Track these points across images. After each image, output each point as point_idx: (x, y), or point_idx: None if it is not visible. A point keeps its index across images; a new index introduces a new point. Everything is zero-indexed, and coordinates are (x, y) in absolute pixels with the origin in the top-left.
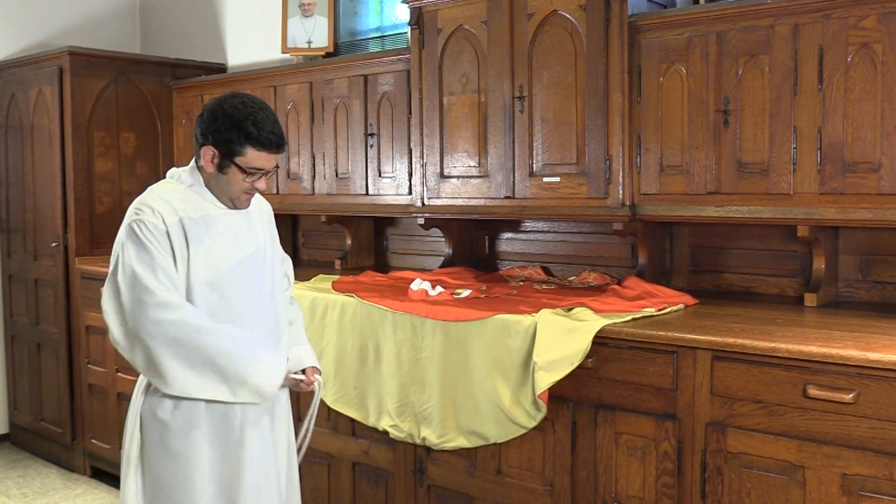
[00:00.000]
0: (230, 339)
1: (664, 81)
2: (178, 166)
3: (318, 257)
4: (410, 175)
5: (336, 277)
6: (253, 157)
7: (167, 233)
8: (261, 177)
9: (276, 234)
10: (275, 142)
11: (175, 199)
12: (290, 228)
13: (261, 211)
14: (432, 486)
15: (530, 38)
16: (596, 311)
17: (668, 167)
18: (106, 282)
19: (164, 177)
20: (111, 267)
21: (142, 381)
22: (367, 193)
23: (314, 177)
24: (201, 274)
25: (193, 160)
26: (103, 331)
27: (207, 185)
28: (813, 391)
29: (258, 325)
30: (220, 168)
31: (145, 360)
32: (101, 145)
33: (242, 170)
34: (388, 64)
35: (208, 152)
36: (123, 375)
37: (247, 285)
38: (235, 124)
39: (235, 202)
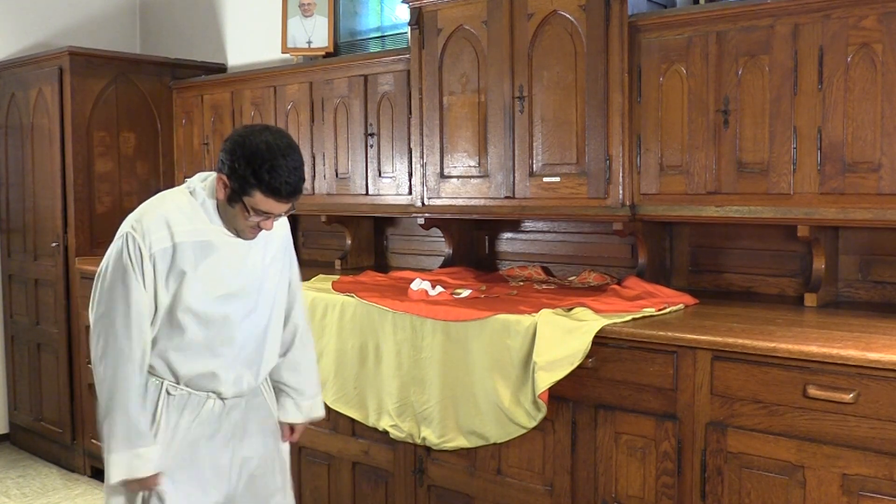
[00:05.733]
0: (128, 411)
1: (664, 81)
2: (177, 166)
3: (318, 257)
4: (410, 175)
5: (336, 277)
6: (260, 200)
7: (153, 259)
8: (269, 218)
9: (290, 256)
10: (286, 192)
11: (177, 220)
12: (291, 228)
13: (275, 234)
14: (432, 486)
15: (530, 38)
16: (596, 311)
17: (668, 167)
18: (92, 293)
19: (167, 177)
20: (97, 280)
21: None
22: (367, 193)
23: (314, 177)
24: (190, 299)
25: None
26: None
27: (217, 210)
28: (813, 391)
29: (239, 353)
30: (229, 201)
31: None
32: (101, 145)
33: (248, 210)
34: (388, 64)
35: (221, 181)
36: None
37: (236, 314)
38: (251, 165)
39: (240, 234)
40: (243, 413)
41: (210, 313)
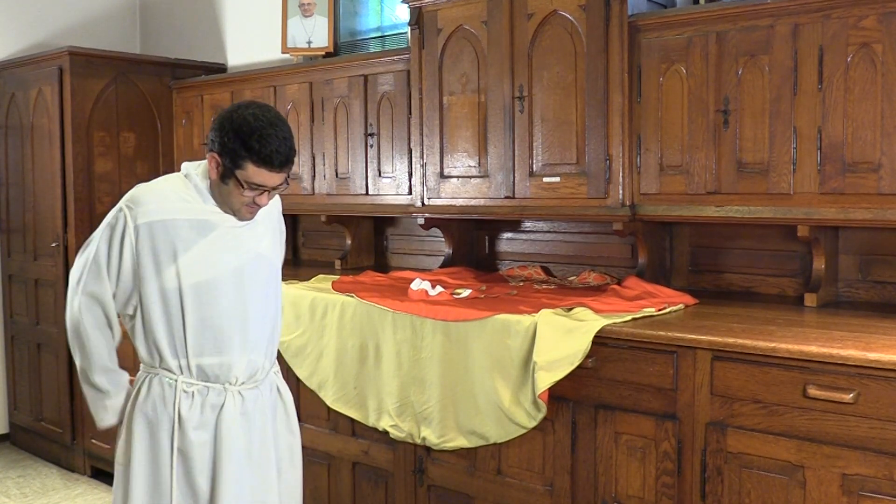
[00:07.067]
0: (100, 360)
1: (664, 81)
2: (177, 166)
3: (318, 257)
4: (410, 175)
5: (336, 277)
6: (253, 172)
7: (137, 231)
8: (263, 193)
9: (281, 227)
10: (277, 161)
11: (169, 198)
12: (291, 228)
13: (268, 210)
14: (432, 486)
15: (530, 38)
16: (596, 311)
17: (668, 167)
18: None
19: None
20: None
21: (136, 381)
22: (367, 193)
23: (314, 177)
24: (186, 279)
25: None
26: None
27: (210, 191)
28: (813, 391)
29: (246, 333)
30: (222, 178)
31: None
32: (101, 145)
33: (241, 184)
34: (388, 64)
35: (213, 160)
36: None
37: (238, 294)
38: (240, 137)
39: (236, 214)
40: (263, 409)
41: (211, 294)
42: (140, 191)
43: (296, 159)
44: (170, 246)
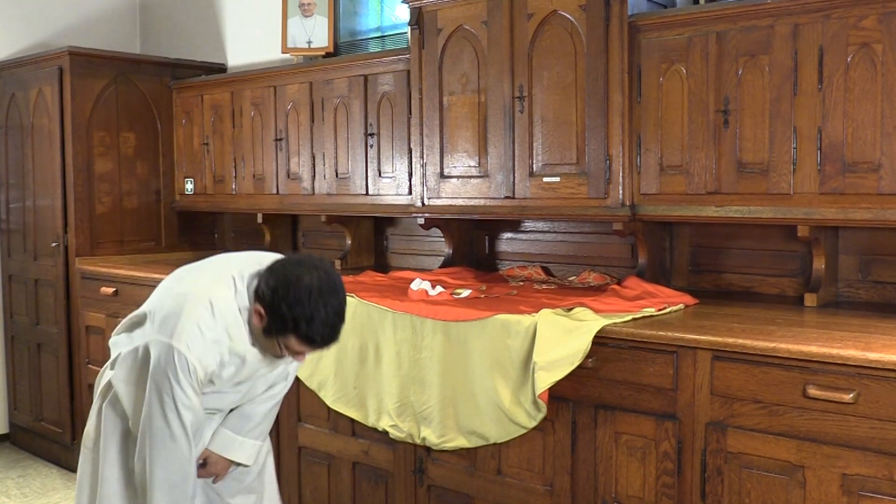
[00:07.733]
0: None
1: (664, 81)
2: (177, 166)
3: None
4: (410, 175)
5: None
6: (294, 343)
7: (207, 375)
8: (301, 353)
9: None
10: (320, 342)
11: (224, 340)
12: (291, 228)
13: None
14: (432, 486)
15: (530, 38)
16: (596, 311)
17: (668, 167)
18: (125, 366)
19: (167, 177)
20: (130, 378)
21: (99, 381)
22: (367, 193)
23: (314, 177)
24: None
25: None
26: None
27: (251, 329)
28: (813, 391)
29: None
30: (265, 332)
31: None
32: (101, 145)
33: (280, 347)
34: (388, 64)
35: (258, 311)
36: None
37: (236, 399)
38: (292, 312)
39: (269, 353)
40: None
41: (211, 399)
42: (194, 335)
43: (293, 155)
44: (210, 378)
